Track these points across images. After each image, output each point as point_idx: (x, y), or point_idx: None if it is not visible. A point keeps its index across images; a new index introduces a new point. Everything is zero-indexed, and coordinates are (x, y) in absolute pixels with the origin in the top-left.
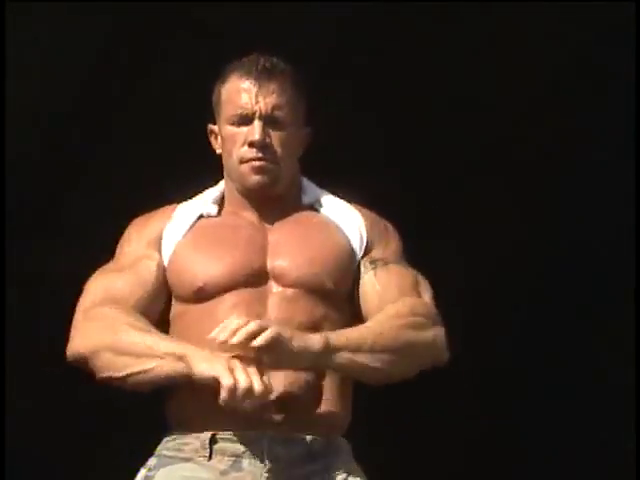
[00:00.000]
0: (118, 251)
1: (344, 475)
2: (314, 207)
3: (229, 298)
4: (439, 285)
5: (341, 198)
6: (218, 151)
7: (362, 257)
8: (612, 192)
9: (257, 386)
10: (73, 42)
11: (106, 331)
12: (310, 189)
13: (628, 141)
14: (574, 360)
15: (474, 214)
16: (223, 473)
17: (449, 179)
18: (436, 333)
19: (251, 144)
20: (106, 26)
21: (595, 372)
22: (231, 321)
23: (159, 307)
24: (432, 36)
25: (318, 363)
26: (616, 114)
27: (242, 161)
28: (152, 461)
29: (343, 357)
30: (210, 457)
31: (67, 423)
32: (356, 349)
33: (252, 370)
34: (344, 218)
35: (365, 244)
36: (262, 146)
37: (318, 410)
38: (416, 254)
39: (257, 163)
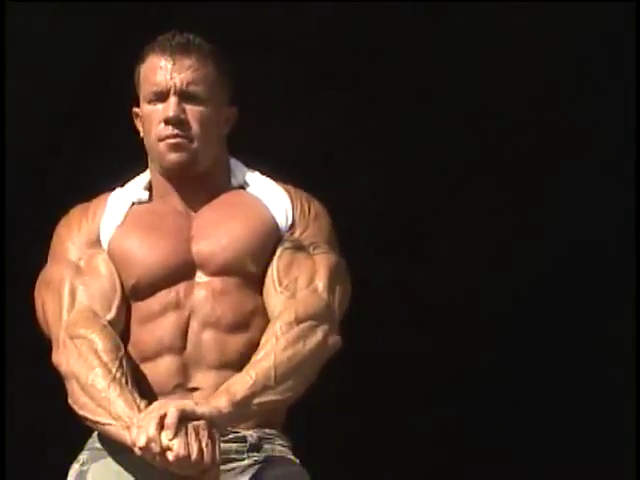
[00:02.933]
0: (60, 248)
1: (279, 468)
2: (242, 188)
3: (156, 300)
4: (439, 285)
5: (270, 177)
6: (142, 134)
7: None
8: (612, 192)
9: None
10: (73, 42)
11: (80, 363)
12: (239, 170)
13: (628, 141)
14: (574, 360)
15: (474, 214)
16: (157, 467)
17: (449, 179)
18: (324, 329)
19: (167, 121)
20: (106, 26)
21: (595, 372)
22: (139, 438)
23: (125, 304)
24: (432, 36)
25: (233, 421)
26: (616, 114)
27: (159, 139)
28: (84, 455)
29: (255, 404)
30: None
31: (67, 424)
32: (262, 390)
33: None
34: (272, 197)
35: (290, 224)
36: (177, 122)
37: None
38: (415, 254)
39: (173, 140)
